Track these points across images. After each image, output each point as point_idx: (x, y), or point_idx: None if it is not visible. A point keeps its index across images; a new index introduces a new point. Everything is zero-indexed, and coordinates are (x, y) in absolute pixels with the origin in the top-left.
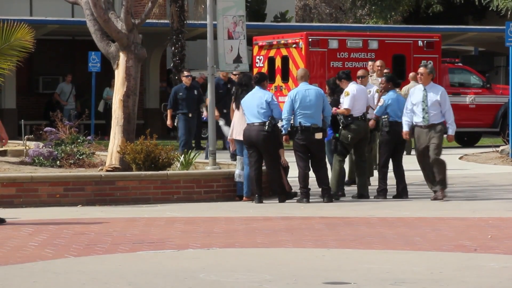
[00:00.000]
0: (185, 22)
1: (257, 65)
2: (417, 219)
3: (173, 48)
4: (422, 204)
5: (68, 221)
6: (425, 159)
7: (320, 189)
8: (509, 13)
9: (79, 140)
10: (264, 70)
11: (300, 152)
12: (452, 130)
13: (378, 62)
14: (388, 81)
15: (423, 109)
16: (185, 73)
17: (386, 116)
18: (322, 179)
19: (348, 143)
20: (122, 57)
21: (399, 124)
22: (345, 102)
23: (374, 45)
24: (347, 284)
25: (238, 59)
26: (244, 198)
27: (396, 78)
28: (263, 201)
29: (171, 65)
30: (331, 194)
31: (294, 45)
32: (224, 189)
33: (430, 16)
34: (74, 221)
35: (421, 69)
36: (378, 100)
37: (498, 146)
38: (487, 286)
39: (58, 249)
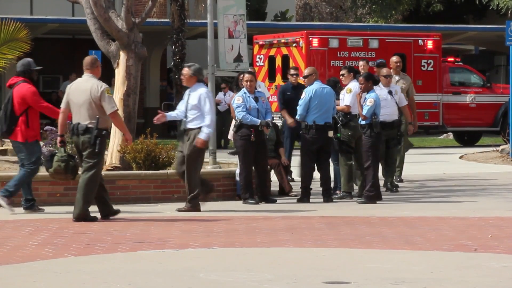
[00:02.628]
0: (185, 21)
1: (258, 64)
2: (417, 219)
3: (173, 47)
4: (422, 204)
5: (68, 220)
6: (182, 167)
7: (316, 190)
8: (509, 12)
9: None
10: (265, 69)
11: (310, 150)
12: (204, 134)
13: (394, 58)
14: (368, 80)
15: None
16: (292, 71)
17: (375, 117)
18: (325, 179)
19: (349, 140)
20: (123, 56)
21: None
22: (346, 98)
23: (374, 44)
24: (347, 284)
25: (238, 58)
26: None
27: (374, 76)
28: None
29: (172, 64)
30: (331, 194)
31: (294, 44)
32: (224, 188)
33: (430, 15)
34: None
35: (183, 70)
36: (359, 100)
37: (499, 146)
38: (488, 286)
39: (58, 248)
